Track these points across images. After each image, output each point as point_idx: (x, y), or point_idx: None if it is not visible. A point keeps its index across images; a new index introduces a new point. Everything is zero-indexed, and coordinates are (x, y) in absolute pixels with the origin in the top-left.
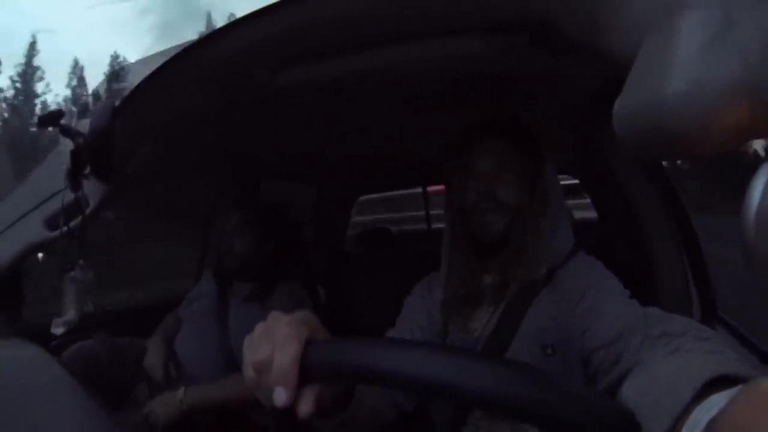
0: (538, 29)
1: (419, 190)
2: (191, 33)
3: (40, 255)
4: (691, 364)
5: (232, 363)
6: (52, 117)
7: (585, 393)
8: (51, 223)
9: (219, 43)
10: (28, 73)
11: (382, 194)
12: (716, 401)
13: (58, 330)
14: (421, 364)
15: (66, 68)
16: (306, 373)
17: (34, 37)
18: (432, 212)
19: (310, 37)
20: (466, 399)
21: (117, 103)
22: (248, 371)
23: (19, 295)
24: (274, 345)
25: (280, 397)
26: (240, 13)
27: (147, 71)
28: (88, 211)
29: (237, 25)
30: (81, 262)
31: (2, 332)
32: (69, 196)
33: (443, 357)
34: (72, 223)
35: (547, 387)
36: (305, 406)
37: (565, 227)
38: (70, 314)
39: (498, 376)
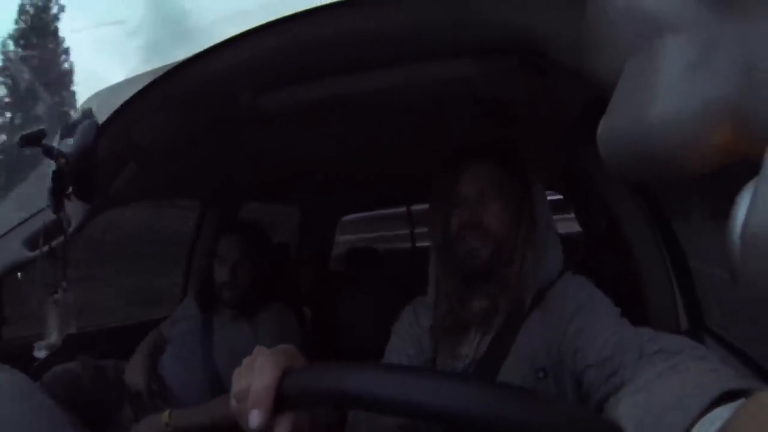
0: (526, 52)
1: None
2: (179, 54)
3: (20, 274)
4: (695, 380)
5: (217, 384)
6: (34, 137)
7: (564, 409)
8: (31, 242)
9: (204, 64)
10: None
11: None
12: (720, 414)
13: (40, 353)
14: (392, 385)
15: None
16: (282, 400)
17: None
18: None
19: (295, 60)
20: (435, 419)
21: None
22: (232, 402)
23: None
24: (253, 374)
25: (254, 419)
26: (228, 36)
27: (133, 90)
28: (69, 232)
29: (222, 46)
30: (64, 284)
31: None
32: (50, 215)
33: (413, 378)
34: (52, 243)
35: (526, 403)
36: (281, 431)
37: (555, 249)
38: (53, 337)
39: (470, 395)
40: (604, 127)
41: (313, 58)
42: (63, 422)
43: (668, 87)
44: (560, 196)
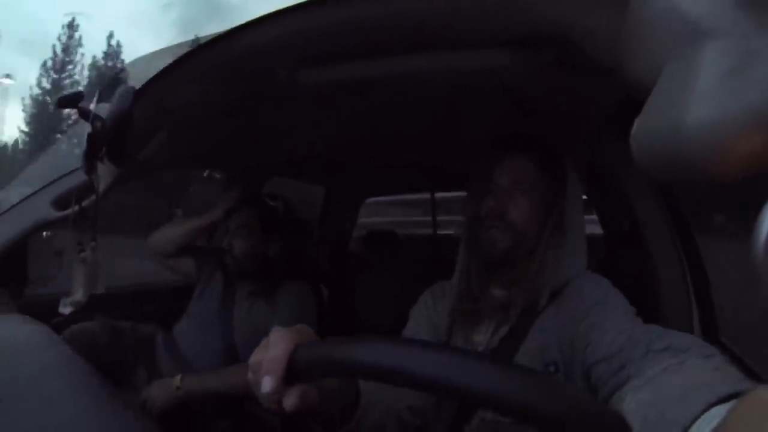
0: (563, 47)
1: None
2: (211, 29)
3: (45, 233)
4: (700, 378)
5: (233, 356)
6: (72, 99)
7: (571, 392)
8: (60, 202)
9: (244, 37)
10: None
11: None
12: (718, 412)
13: (65, 309)
14: (398, 357)
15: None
16: (293, 371)
17: (72, 18)
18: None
19: (336, 39)
20: (437, 391)
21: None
22: (249, 374)
23: (23, 273)
24: (267, 347)
25: (266, 385)
26: (261, 13)
27: (168, 61)
28: (100, 193)
29: (263, 21)
30: (93, 244)
31: (5, 308)
32: (81, 175)
33: (415, 349)
34: (83, 204)
35: (535, 383)
36: (291, 400)
37: (580, 252)
38: (79, 294)
39: (474, 370)
40: (638, 127)
41: (351, 38)
42: (85, 373)
43: (704, 92)
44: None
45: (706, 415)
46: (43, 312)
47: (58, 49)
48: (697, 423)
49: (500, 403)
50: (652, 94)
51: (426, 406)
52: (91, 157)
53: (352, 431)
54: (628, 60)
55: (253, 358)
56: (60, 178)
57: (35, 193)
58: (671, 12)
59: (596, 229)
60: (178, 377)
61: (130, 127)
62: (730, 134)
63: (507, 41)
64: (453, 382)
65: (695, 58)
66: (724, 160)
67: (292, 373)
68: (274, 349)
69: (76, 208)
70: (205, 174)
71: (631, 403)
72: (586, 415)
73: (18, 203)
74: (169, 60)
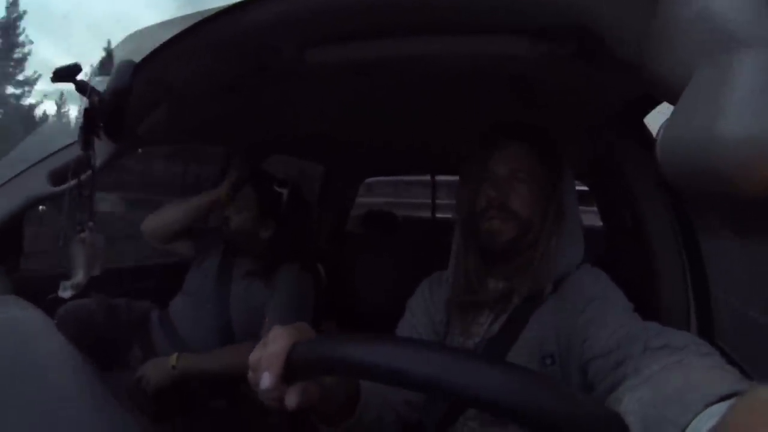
0: (586, 40)
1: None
2: (215, 2)
3: (41, 208)
4: (698, 377)
5: (229, 335)
6: (68, 72)
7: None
8: (55, 177)
9: (250, 12)
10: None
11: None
12: (716, 411)
13: (66, 293)
14: (391, 356)
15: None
16: (292, 368)
17: None
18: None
19: (341, 18)
20: (436, 393)
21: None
22: (249, 373)
23: (19, 248)
24: (266, 345)
25: (265, 381)
26: None
27: (168, 34)
28: (96, 169)
29: None
30: (91, 224)
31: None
32: (77, 151)
33: (415, 350)
34: (80, 178)
35: (530, 384)
36: (292, 398)
37: (578, 241)
38: (79, 276)
39: (468, 371)
40: (666, 134)
41: (361, 18)
42: (77, 362)
43: (738, 105)
44: (584, 188)
45: (704, 414)
46: (39, 288)
47: None
48: (694, 422)
49: (499, 406)
50: (680, 101)
51: (421, 401)
52: (87, 133)
53: (352, 426)
54: (653, 59)
55: (253, 357)
56: (56, 152)
57: (30, 167)
58: (708, 15)
59: (595, 221)
60: (174, 356)
61: (129, 102)
62: (761, 152)
63: (527, 29)
64: (453, 386)
65: (730, 66)
66: (753, 177)
67: (290, 371)
68: (272, 346)
69: (73, 183)
70: (203, 150)
71: (629, 404)
72: (584, 417)
73: (12, 178)
74: (172, 33)
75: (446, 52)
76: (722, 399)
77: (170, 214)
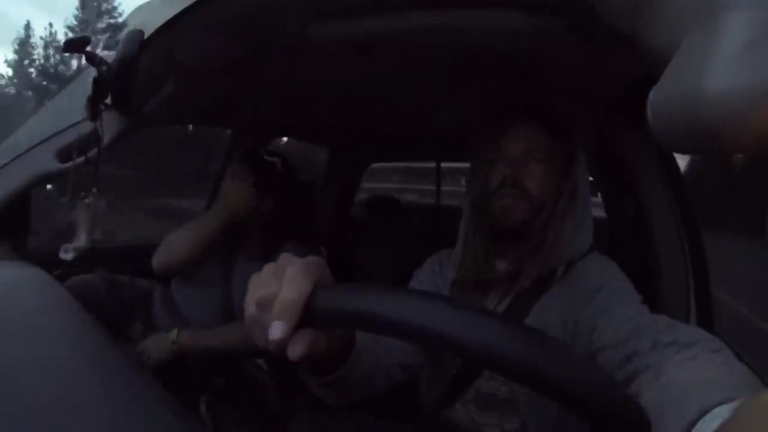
0: (578, 13)
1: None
2: None
3: (49, 186)
4: (707, 374)
5: (230, 315)
6: (78, 43)
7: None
8: (63, 154)
9: None
10: None
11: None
12: (720, 413)
13: (67, 256)
14: (427, 314)
15: None
16: (308, 315)
17: None
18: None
19: None
20: (464, 353)
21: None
22: (250, 308)
23: (26, 225)
24: (283, 282)
25: (277, 331)
26: None
27: (178, 7)
28: (104, 142)
29: None
30: (95, 190)
31: (5, 261)
32: (85, 127)
33: (453, 310)
34: (87, 155)
35: (559, 354)
36: (298, 348)
37: (588, 225)
38: (81, 240)
39: (505, 334)
40: (655, 94)
41: None
42: (83, 316)
43: (724, 61)
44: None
45: (709, 415)
46: (45, 265)
47: None
48: (699, 423)
49: (535, 374)
50: (671, 62)
51: (417, 366)
52: (96, 102)
53: (340, 378)
54: (646, 29)
55: (262, 292)
56: (63, 130)
57: (38, 144)
58: None
59: (596, 212)
60: (175, 331)
61: (136, 72)
62: (747, 104)
63: (523, 3)
64: (492, 349)
65: (716, 27)
66: (740, 130)
67: (306, 319)
68: (289, 289)
69: (80, 159)
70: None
71: (640, 400)
72: (614, 400)
73: (20, 155)
74: (179, 8)
75: (445, 26)
76: (730, 399)
77: (176, 248)
